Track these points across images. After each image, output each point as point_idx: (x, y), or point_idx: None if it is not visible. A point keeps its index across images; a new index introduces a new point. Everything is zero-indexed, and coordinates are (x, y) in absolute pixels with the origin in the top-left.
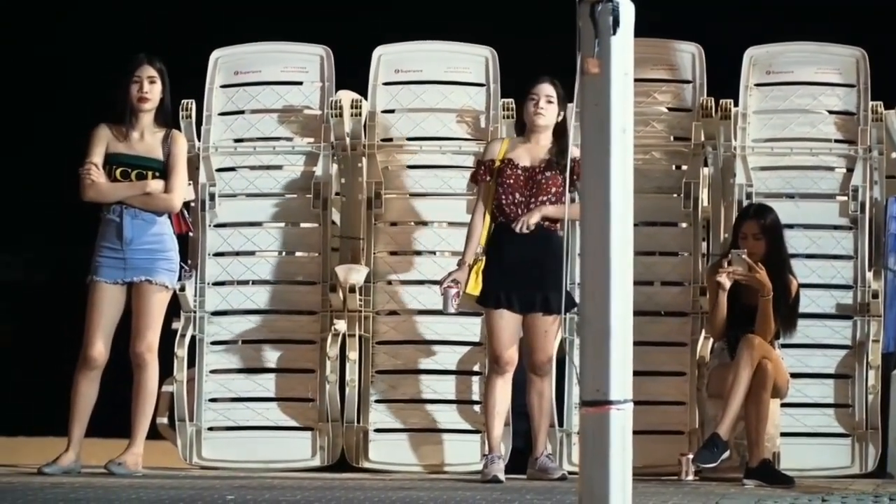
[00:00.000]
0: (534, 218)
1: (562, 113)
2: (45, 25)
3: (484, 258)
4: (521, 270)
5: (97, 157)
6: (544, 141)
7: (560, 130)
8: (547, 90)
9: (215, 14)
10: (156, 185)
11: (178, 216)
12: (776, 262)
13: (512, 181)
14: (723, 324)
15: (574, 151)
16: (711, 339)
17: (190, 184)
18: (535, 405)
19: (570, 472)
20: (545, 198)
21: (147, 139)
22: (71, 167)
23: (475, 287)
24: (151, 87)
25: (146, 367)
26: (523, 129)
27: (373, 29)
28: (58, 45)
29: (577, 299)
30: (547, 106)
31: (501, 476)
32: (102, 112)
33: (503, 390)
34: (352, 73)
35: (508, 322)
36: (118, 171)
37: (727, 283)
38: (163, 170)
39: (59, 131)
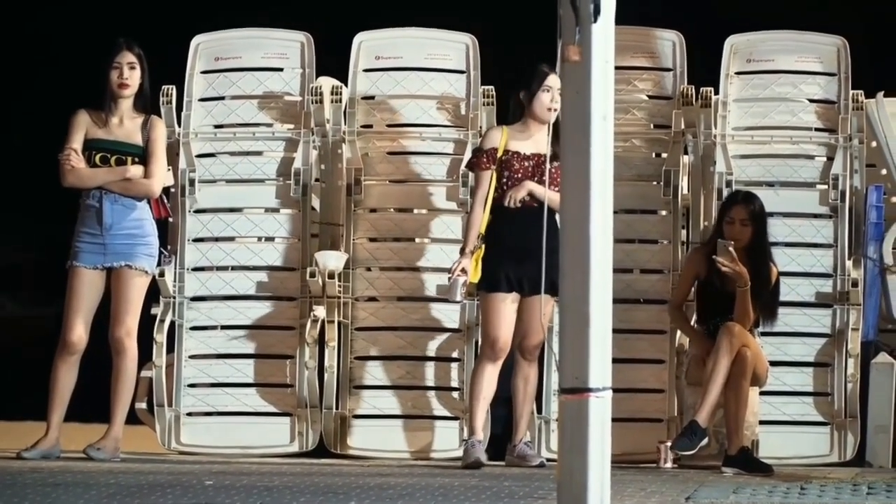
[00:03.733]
0: (520, 193)
1: None
2: (30, 7)
3: (483, 246)
4: (528, 252)
5: (76, 142)
6: (542, 131)
7: (556, 121)
8: (558, 82)
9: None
10: (135, 170)
11: (158, 201)
12: (759, 249)
13: (521, 175)
14: (681, 301)
15: None
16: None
17: (169, 169)
18: (519, 391)
19: (548, 459)
20: (556, 188)
21: (126, 125)
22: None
23: (475, 275)
24: (131, 73)
25: (125, 353)
26: (515, 118)
27: (354, 16)
28: (42, 27)
29: None
30: (558, 98)
31: (483, 458)
32: (87, 96)
33: (492, 377)
34: (332, 59)
35: (511, 307)
36: (97, 157)
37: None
38: (142, 155)
39: (42, 117)
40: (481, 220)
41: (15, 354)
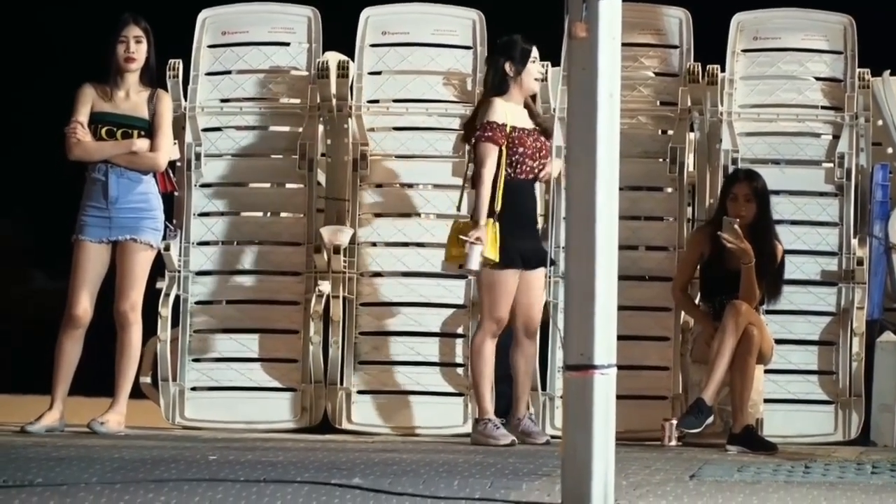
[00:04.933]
0: (556, 172)
1: None
2: None
3: (497, 223)
4: (531, 228)
5: (83, 116)
6: (521, 104)
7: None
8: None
9: None
10: (141, 143)
11: (164, 175)
12: (763, 226)
13: (531, 152)
14: (686, 283)
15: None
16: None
17: (175, 143)
18: (520, 368)
19: (552, 436)
20: (544, 163)
21: (132, 98)
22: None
23: (493, 251)
24: (138, 47)
25: (130, 327)
26: (502, 90)
27: None
28: (45, 8)
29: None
30: (542, 70)
31: (504, 441)
32: (92, 75)
33: (493, 354)
34: (339, 34)
35: (515, 282)
36: (104, 130)
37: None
38: (148, 129)
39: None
40: (492, 193)
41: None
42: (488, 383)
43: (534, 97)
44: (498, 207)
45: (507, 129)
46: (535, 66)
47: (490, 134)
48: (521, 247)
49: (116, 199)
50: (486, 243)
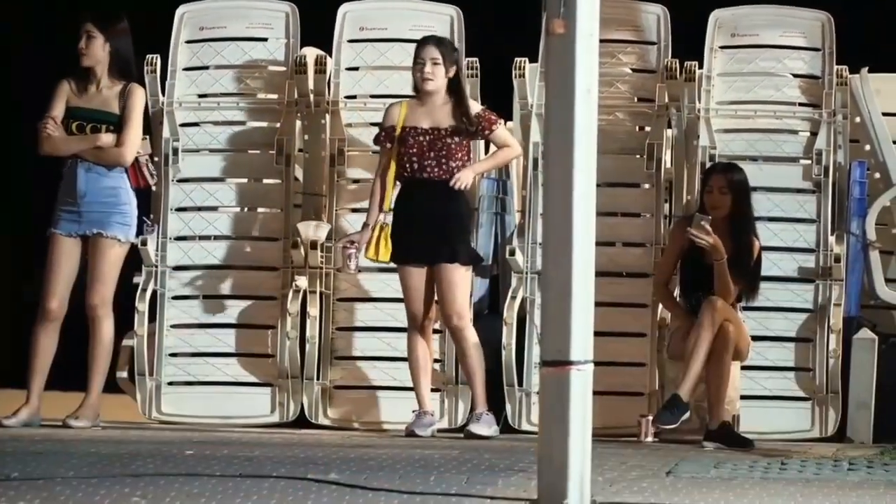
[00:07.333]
0: (469, 177)
1: (452, 69)
2: None
3: (389, 224)
4: (426, 225)
5: (56, 111)
6: (440, 101)
7: (455, 87)
8: (432, 53)
9: None
10: (106, 138)
11: (135, 170)
12: (741, 221)
13: (415, 150)
14: (668, 276)
15: (475, 107)
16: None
17: (145, 138)
18: (462, 367)
19: (529, 433)
20: (455, 163)
21: (104, 93)
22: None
23: (385, 254)
24: (87, 43)
25: (100, 321)
26: (414, 92)
27: None
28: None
29: (487, 256)
30: (434, 69)
31: (420, 432)
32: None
33: (422, 346)
34: (317, 30)
35: (417, 278)
36: (74, 125)
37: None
38: (118, 123)
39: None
40: (380, 195)
41: None
42: (415, 376)
43: (453, 90)
44: (387, 206)
45: (397, 130)
46: (418, 68)
47: (376, 137)
48: (411, 243)
49: (85, 194)
50: (370, 245)
